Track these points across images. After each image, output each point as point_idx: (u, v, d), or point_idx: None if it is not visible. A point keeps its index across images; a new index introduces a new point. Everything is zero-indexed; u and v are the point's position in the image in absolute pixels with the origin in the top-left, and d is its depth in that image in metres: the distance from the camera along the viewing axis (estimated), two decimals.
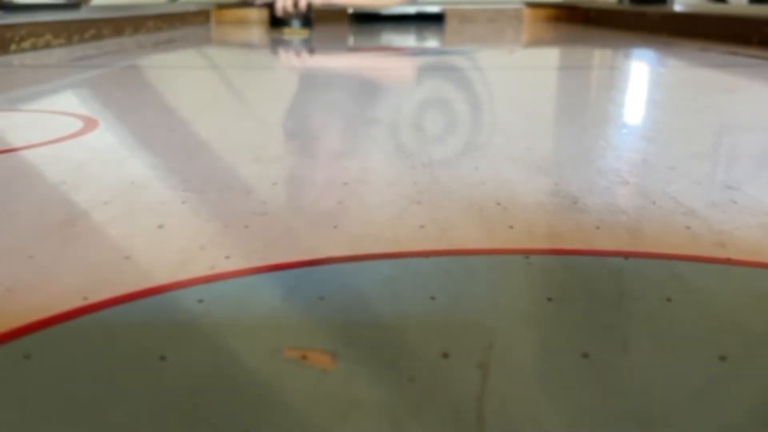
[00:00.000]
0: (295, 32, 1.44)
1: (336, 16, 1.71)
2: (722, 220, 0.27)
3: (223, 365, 0.17)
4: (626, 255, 0.24)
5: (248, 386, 0.16)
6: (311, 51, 1.12)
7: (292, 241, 0.26)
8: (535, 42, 1.38)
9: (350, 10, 1.67)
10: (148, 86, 0.72)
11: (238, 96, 0.63)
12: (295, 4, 1.44)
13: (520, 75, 0.81)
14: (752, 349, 0.18)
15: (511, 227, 0.27)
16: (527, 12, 2.05)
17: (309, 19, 1.47)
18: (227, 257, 0.24)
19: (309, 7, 1.47)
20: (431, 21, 1.83)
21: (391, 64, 0.95)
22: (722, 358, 0.17)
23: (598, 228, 0.26)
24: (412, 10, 1.83)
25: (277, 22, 1.47)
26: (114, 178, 0.34)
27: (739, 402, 0.15)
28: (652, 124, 0.49)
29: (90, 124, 0.48)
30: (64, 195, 0.32)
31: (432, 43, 1.32)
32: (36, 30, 1.06)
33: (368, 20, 1.77)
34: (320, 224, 0.27)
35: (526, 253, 0.24)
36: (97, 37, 1.23)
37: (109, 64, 0.88)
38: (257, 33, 1.58)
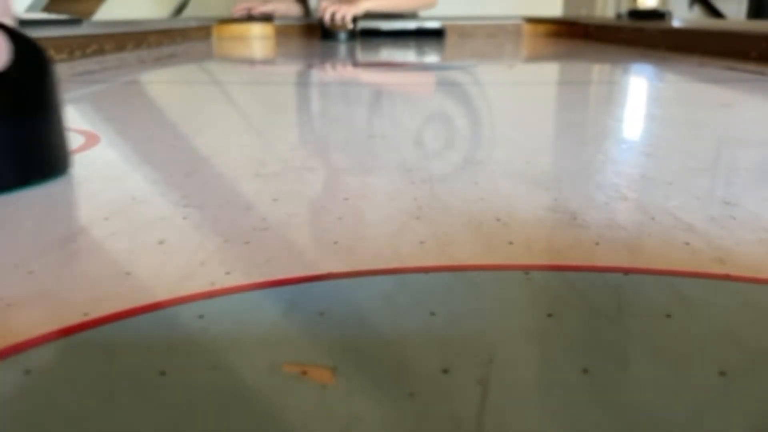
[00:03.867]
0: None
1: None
2: (721, 236, 0.27)
3: (223, 380, 0.17)
4: (626, 271, 0.24)
5: (248, 401, 0.16)
6: (309, 66, 1.13)
7: (293, 257, 0.26)
8: (535, 57, 1.39)
9: (351, 25, 1.69)
10: (150, 101, 0.73)
11: (240, 111, 0.63)
12: (334, 17, 1.63)
13: (520, 90, 0.81)
14: (752, 365, 0.18)
15: (510, 243, 0.27)
16: (527, 27, 2.06)
17: (354, 32, 1.68)
18: (227, 273, 0.24)
19: (354, 19, 1.66)
20: (431, 36, 1.84)
21: (392, 80, 0.95)
22: (722, 374, 0.17)
23: (597, 244, 0.26)
24: (412, 25, 1.84)
25: (327, 35, 1.68)
26: (115, 193, 0.34)
27: (739, 417, 0.15)
28: (650, 138, 0.49)
29: (91, 140, 0.48)
30: (65, 210, 0.32)
31: (432, 58, 1.32)
32: None
33: (368, 35, 1.78)
34: (320, 240, 0.27)
35: (526, 268, 0.24)
36: (99, 52, 1.24)
37: (110, 80, 0.89)
38: (258, 48, 1.59)
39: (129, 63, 1.14)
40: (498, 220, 0.29)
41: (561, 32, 2.01)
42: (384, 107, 0.66)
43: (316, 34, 1.79)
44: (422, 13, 1.91)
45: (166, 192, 0.35)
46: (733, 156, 0.44)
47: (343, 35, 1.67)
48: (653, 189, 0.34)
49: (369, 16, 1.74)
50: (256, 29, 1.89)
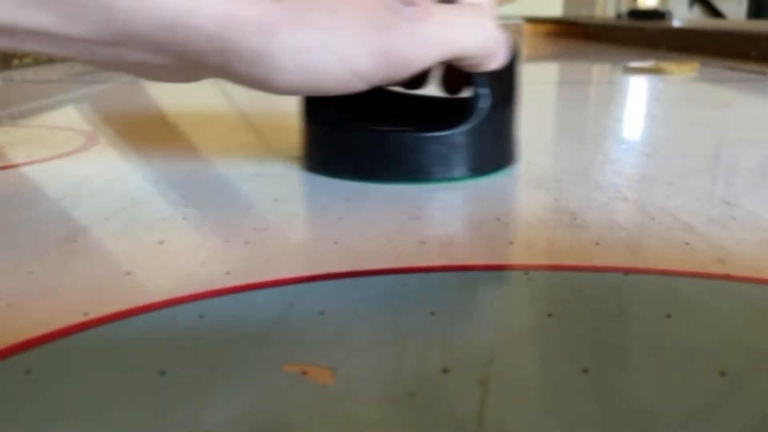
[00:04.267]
0: None
1: None
2: (721, 236, 0.27)
3: (223, 380, 0.17)
4: (626, 271, 0.24)
5: (248, 401, 0.16)
6: None
7: (292, 257, 0.26)
8: (535, 57, 1.39)
9: None
10: (150, 101, 0.73)
11: (240, 111, 0.63)
12: None
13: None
14: (752, 365, 0.18)
15: (510, 243, 0.27)
16: (527, 27, 2.06)
17: None
18: (227, 273, 0.24)
19: None
20: None
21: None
22: (722, 374, 0.17)
23: (597, 244, 0.26)
24: None
25: None
26: (115, 193, 0.34)
27: (740, 417, 0.15)
28: (650, 138, 0.49)
29: (91, 140, 0.48)
30: (65, 211, 0.32)
31: None
32: None
33: None
34: (320, 240, 0.27)
35: (526, 268, 0.24)
36: None
37: (110, 80, 0.89)
38: None
39: None
40: (498, 220, 0.29)
41: (561, 32, 2.01)
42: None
43: None
44: None
45: (166, 192, 0.35)
46: (733, 156, 0.44)
47: None
48: (653, 189, 0.34)
49: None
50: None
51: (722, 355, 0.18)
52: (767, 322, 0.20)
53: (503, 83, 0.36)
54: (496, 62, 0.33)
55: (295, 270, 0.24)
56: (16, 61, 0.99)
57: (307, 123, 0.37)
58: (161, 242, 0.27)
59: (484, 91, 0.34)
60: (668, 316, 0.20)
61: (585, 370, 0.17)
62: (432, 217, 0.30)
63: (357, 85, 0.29)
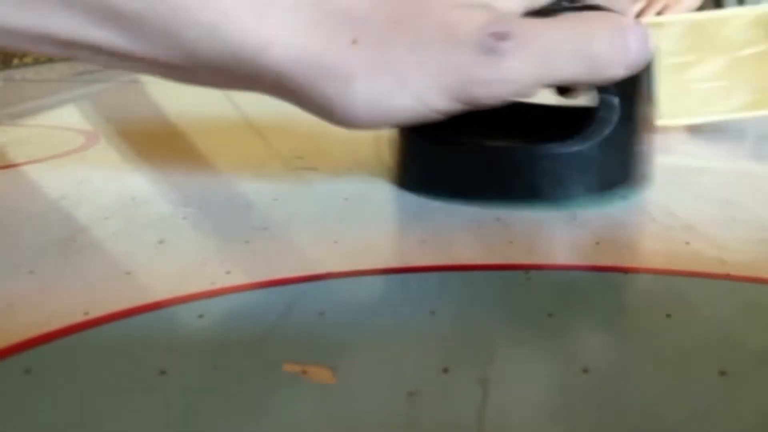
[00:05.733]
0: None
1: None
2: (722, 236, 0.27)
3: (223, 380, 0.17)
4: (626, 270, 0.24)
5: (248, 401, 0.16)
6: None
7: (293, 256, 0.26)
8: None
9: None
10: (150, 101, 0.73)
11: (240, 111, 0.63)
12: None
13: None
14: (752, 365, 0.18)
15: (510, 242, 0.27)
16: None
17: None
18: (227, 272, 0.24)
19: None
20: None
21: None
22: (722, 374, 0.17)
23: (597, 243, 0.26)
24: None
25: None
26: (115, 193, 0.34)
27: (740, 417, 0.15)
28: (650, 138, 0.49)
29: (91, 139, 0.48)
30: (65, 210, 0.32)
31: None
32: None
33: None
34: (321, 239, 0.27)
35: (526, 268, 0.24)
36: None
37: (111, 79, 0.89)
38: None
39: None
40: (498, 219, 0.29)
41: None
42: None
43: None
44: None
45: (166, 192, 0.35)
46: (734, 156, 0.44)
47: None
48: (653, 189, 0.34)
49: None
50: None
51: (722, 355, 0.18)
52: (767, 322, 0.20)
53: (632, 91, 0.31)
54: (615, 73, 0.28)
55: (295, 270, 0.24)
56: (16, 61, 0.99)
57: (403, 135, 0.33)
58: (161, 242, 0.27)
59: (608, 98, 0.30)
60: (668, 316, 0.20)
61: (585, 370, 0.17)
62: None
63: (433, 117, 0.27)
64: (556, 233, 0.28)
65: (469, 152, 0.31)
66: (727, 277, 0.23)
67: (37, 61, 1.03)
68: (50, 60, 1.06)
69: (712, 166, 0.41)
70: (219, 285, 0.23)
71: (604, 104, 0.30)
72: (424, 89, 0.26)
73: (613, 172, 0.32)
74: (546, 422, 0.15)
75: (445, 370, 0.17)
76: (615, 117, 0.30)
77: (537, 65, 0.26)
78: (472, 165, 0.31)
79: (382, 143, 0.42)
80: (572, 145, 0.30)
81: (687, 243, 0.26)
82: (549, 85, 0.28)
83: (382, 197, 0.33)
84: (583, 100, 0.33)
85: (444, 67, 0.26)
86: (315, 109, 0.27)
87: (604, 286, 0.23)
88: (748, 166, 0.41)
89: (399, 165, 0.34)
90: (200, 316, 0.20)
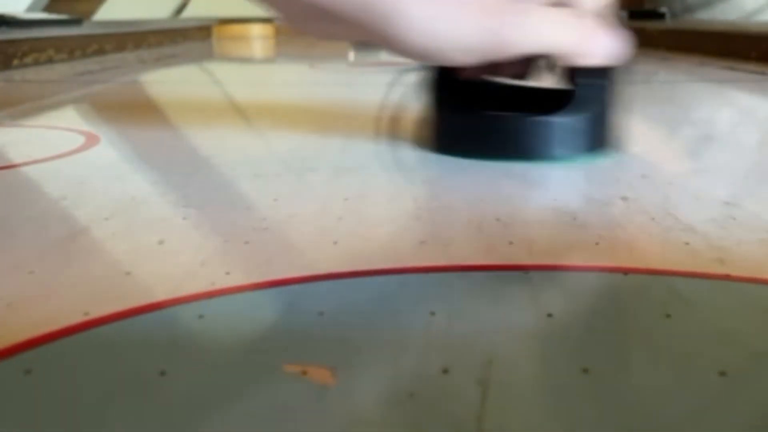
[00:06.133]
0: None
1: None
2: (721, 236, 0.27)
3: (223, 380, 0.17)
4: (625, 271, 0.24)
5: (248, 401, 0.16)
6: (311, 66, 1.13)
7: (292, 257, 0.26)
8: None
9: None
10: (150, 101, 0.73)
11: (240, 111, 0.63)
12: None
13: None
14: (752, 365, 0.18)
15: (510, 243, 0.27)
16: None
17: None
18: (227, 273, 0.24)
19: None
20: None
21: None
22: (722, 374, 0.17)
23: (597, 244, 0.26)
24: None
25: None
26: (115, 193, 0.34)
27: (740, 418, 0.16)
28: (650, 138, 0.49)
29: (91, 140, 0.48)
30: (65, 211, 0.32)
31: None
32: (38, 45, 1.07)
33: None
34: (320, 240, 0.27)
35: (526, 268, 0.24)
36: (99, 52, 1.24)
37: (110, 80, 0.89)
38: (258, 48, 1.59)
39: (129, 63, 1.15)
40: (498, 220, 0.29)
41: None
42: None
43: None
44: None
45: (166, 192, 0.35)
46: (733, 156, 0.44)
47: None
48: (653, 189, 0.34)
49: None
50: (256, 29, 1.89)
51: (722, 355, 0.18)
52: (767, 322, 0.20)
53: (603, 79, 0.39)
54: (592, 59, 0.36)
55: (295, 270, 0.24)
56: (16, 61, 0.99)
57: (437, 109, 0.42)
58: (161, 242, 0.27)
59: (589, 80, 0.38)
60: (668, 316, 0.20)
61: (585, 370, 0.17)
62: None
63: (461, 59, 0.34)
64: (556, 233, 0.28)
65: (486, 121, 0.40)
66: (727, 277, 0.23)
67: (37, 62, 1.03)
68: (50, 60, 1.06)
69: (712, 166, 0.41)
70: (219, 285, 0.23)
71: (585, 85, 0.38)
72: (462, 22, 0.32)
73: (593, 138, 0.40)
74: (546, 422, 0.15)
75: (445, 371, 0.17)
76: (594, 95, 0.38)
77: (542, 28, 0.34)
78: (488, 130, 0.40)
79: (381, 143, 0.42)
80: (560, 117, 0.38)
81: (687, 243, 0.26)
82: (546, 51, 0.35)
83: (382, 197, 0.33)
84: (562, 83, 0.40)
85: (479, 9, 0.33)
86: (381, 29, 0.32)
87: (604, 286, 0.23)
88: (748, 166, 0.41)
89: (432, 133, 0.42)
90: (200, 317, 0.21)
